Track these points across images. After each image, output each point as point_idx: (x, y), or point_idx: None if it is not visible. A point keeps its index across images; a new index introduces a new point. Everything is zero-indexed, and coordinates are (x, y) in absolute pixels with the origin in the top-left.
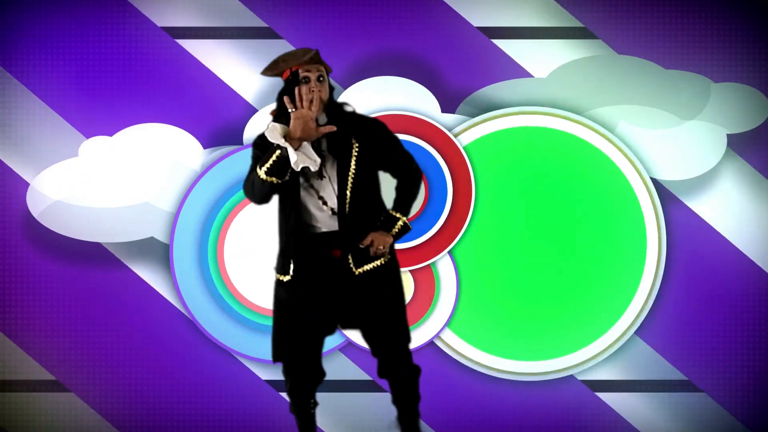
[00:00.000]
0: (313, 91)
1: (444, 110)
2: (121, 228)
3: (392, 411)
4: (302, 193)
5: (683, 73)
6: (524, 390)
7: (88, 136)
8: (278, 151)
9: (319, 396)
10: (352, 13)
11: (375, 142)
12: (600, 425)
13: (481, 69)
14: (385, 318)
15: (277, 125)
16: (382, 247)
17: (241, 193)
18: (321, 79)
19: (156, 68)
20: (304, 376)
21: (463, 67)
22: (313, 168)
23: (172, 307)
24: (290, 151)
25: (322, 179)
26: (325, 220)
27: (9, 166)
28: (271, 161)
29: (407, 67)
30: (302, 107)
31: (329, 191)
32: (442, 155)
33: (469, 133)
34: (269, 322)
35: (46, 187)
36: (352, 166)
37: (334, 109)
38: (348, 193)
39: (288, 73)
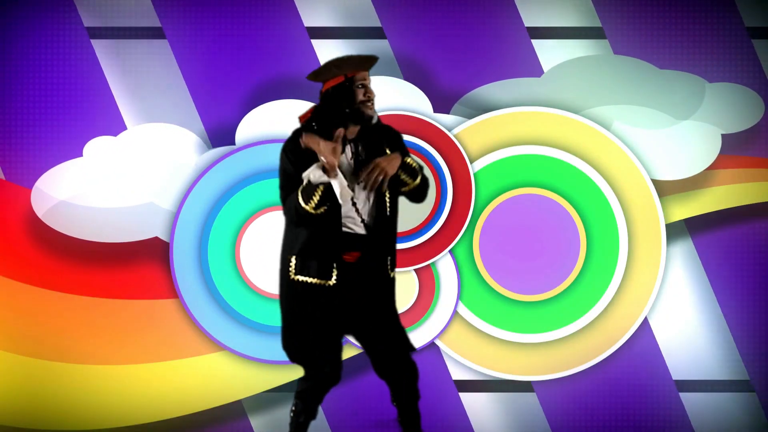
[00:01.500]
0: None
1: (437, 111)
2: (126, 228)
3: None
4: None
5: (678, 73)
6: (523, 390)
7: (92, 136)
8: (322, 187)
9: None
10: (342, 12)
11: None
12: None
13: (475, 68)
14: (395, 318)
15: (315, 167)
16: (386, 168)
17: (260, 198)
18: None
19: (161, 67)
20: (333, 380)
21: (456, 67)
22: (346, 195)
23: (177, 307)
24: (335, 184)
25: (358, 185)
26: (352, 223)
27: (13, 166)
28: (317, 197)
29: (398, 67)
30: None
31: (362, 197)
32: (442, 155)
33: (469, 134)
34: (271, 322)
35: (50, 187)
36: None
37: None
38: (387, 199)
39: (343, 78)
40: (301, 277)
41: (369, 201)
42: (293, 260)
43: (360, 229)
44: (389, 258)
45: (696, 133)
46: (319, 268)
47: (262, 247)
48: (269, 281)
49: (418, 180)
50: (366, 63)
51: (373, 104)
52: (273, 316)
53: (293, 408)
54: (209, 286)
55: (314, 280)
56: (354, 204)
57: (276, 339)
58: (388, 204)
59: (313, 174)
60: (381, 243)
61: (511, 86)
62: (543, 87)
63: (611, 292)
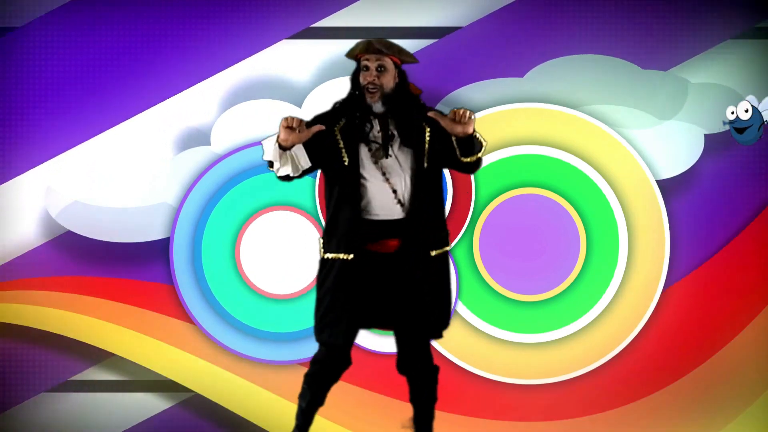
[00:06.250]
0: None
1: None
2: (139, 228)
3: None
4: (367, 177)
5: (661, 73)
6: (524, 391)
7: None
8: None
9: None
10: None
11: (442, 132)
12: None
13: (457, 69)
14: (433, 309)
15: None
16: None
17: (260, 198)
18: (381, 68)
19: (169, 67)
20: (342, 362)
21: (439, 68)
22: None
23: (177, 306)
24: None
25: (387, 158)
26: (388, 207)
27: (26, 165)
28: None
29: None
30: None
31: (397, 176)
32: None
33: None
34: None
35: (64, 186)
36: (426, 150)
37: (399, 98)
38: (421, 178)
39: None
40: (327, 255)
41: (405, 181)
42: (321, 240)
43: (398, 214)
44: (431, 240)
45: (679, 133)
46: (339, 243)
47: (262, 247)
48: (269, 280)
49: (474, 158)
50: (363, 46)
51: (376, 90)
52: (273, 317)
53: (300, 392)
54: (205, 287)
55: (334, 255)
56: (388, 180)
57: (277, 340)
58: (430, 182)
59: (267, 146)
60: (422, 226)
61: (493, 87)
62: (525, 87)
63: (611, 292)
